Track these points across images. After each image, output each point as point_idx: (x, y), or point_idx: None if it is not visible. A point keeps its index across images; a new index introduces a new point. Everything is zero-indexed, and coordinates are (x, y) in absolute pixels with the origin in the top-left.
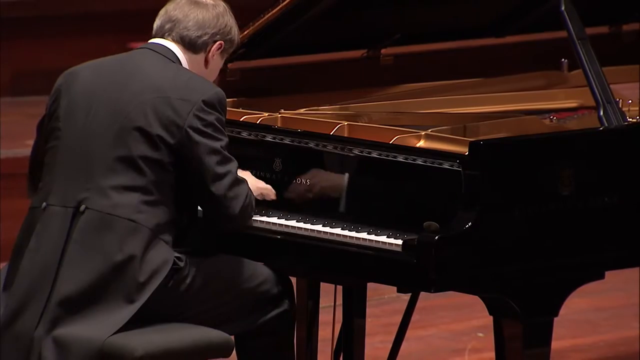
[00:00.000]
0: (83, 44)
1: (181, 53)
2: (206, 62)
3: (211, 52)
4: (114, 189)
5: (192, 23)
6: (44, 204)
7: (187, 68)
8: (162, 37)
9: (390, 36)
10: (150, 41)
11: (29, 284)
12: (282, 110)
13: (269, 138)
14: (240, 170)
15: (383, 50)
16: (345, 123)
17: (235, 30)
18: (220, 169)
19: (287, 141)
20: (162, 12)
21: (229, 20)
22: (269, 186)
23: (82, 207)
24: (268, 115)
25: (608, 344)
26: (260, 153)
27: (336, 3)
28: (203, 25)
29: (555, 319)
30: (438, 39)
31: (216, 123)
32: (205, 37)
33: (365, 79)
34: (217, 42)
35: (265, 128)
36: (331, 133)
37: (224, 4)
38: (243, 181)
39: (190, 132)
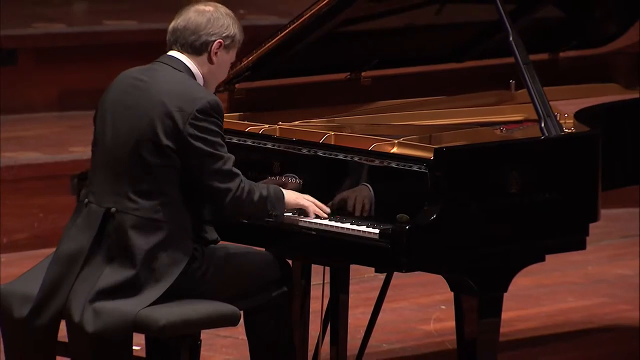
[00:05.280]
0: (117, 68)
1: (187, 59)
2: (210, 60)
3: (212, 50)
4: (138, 194)
5: (189, 31)
6: (86, 200)
7: (197, 71)
8: (172, 49)
9: (370, 62)
10: (167, 54)
11: (60, 271)
12: (280, 123)
13: (269, 145)
14: (299, 194)
15: (363, 73)
16: (332, 133)
17: (233, 28)
18: (213, 166)
19: (283, 148)
20: (170, 27)
21: (224, 21)
22: (306, 201)
23: (113, 210)
24: (268, 126)
25: (547, 314)
26: (261, 158)
27: (324, 35)
28: (197, 30)
29: (505, 294)
30: (409, 64)
31: (210, 127)
32: (201, 40)
33: (349, 97)
34: (216, 41)
35: (266, 137)
36: (320, 141)
37: (223, 10)
38: (236, 176)
39: (189, 138)
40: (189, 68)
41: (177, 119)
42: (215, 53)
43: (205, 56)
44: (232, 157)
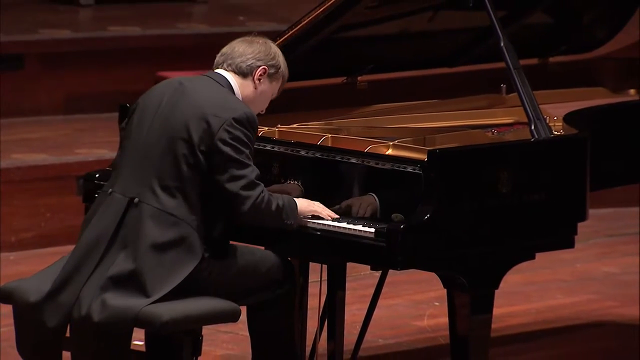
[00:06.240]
0: (121, 73)
1: (233, 79)
2: (254, 85)
3: (256, 75)
4: (162, 189)
5: (237, 54)
6: (110, 190)
7: (239, 91)
8: (218, 67)
9: (365, 66)
10: (214, 70)
11: (80, 257)
12: (279, 125)
13: (268, 147)
14: (309, 201)
15: (359, 78)
16: (329, 135)
17: (279, 58)
18: (238, 172)
19: (282, 150)
20: (220, 52)
21: (271, 51)
22: (318, 207)
23: (136, 200)
24: (268, 129)
25: (537, 311)
26: (261, 159)
27: (322, 41)
28: (244, 54)
29: (496, 291)
30: (403, 68)
31: (242, 137)
32: (247, 62)
33: (345, 101)
34: (261, 67)
35: (265, 139)
36: (318, 143)
37: (272, 44)
38: (258, 185)
39: (219, 143)
40: (231, 86)
41: (212, 122)
42: (259, 79)
43: (249, 80)
44: (257, 171)
